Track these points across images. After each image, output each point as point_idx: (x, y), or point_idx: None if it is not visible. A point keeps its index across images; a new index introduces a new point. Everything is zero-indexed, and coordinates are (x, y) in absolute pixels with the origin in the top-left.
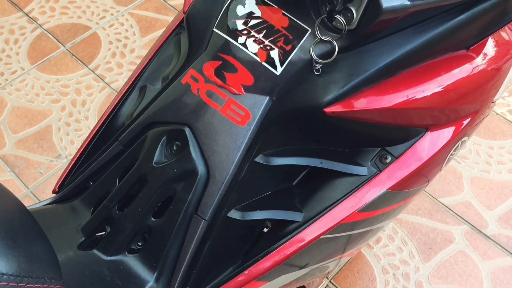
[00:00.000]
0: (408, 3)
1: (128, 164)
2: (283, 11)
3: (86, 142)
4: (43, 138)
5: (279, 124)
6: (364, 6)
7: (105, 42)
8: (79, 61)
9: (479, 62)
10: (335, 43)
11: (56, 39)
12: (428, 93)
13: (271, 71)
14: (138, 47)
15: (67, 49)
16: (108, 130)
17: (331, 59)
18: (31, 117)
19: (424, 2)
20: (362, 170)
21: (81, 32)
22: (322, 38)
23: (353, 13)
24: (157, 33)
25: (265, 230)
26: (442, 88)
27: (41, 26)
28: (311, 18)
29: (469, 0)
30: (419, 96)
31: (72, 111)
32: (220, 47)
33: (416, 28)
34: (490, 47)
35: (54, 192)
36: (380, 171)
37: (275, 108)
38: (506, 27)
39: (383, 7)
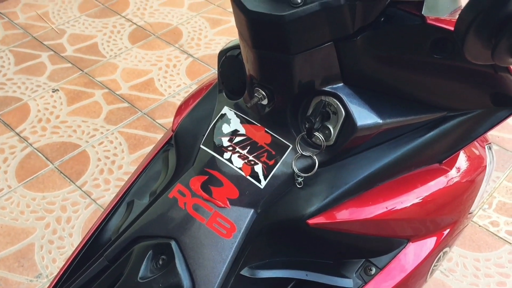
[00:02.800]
0: (381, 121)
1: (113, 280)
2: (265, 129)
3: (71, 259)
4: (24, 256)
5: (264, 236)
6: (340, 124)
7: (93, 159)
8: (66, 178)
9: (453, 174)
10: (315, 158)
11: (45, 157)
12: (407, 204)
13: (256, 184)
14: (126, 164)
15: (55, 167)
16: (93, 246)
17: (312, 173)
18: (14, 236)
19: (395, 121)
20: (348, 282)
21: (70, 150)
22: (303, 153)
23: (330, 131)
24: (145, 150)
25: None
26: (420, 199)
27: (31, 145)
28: (292, 135)
29: (438, 118)
30: (398, 207)
31: (56, 228)
32: (206, 163)
33: (390, 144)
34: (462, 161)
35: None
36: (365, 283)
37: (260, 220)
38: (476, 142)
39: (358, 125)
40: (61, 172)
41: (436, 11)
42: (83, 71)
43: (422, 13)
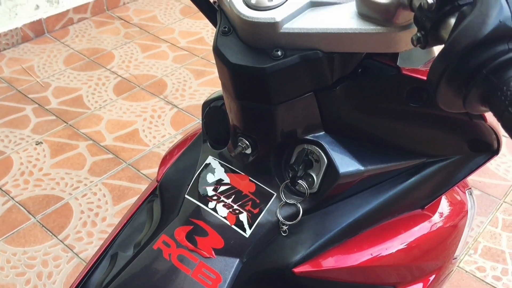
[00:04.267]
0: (362, 168)
1: None
2: (250, 178)
3: None
4: None
5: (251, 286)
6: (323, 171)
7: (76, 212)
8: (48, 232)
9: (436, 220)
10: (299, 205)
11: (27, 211)
12: (392, 250)
13: (241, 233)
14: (110, 216)
15: (37, 220)
16: None
17: (296, 221)
18: None
19: (376, 167)
20: None
21: (53, 203)
22: (287, 201)
23: (313, 178)
24: (130, 201)
25: None
26: (405, 245)
27: (13, 199)
28: (276, 183)
29: (418, 164)
30: (383, 253)
31: (37, 284)
32: (191, 213)
33: (372, 191)
34: (444, 206)
35: None
36: None
37: (246, 270)
38: (457, 188)
39: (340, 172)
40: (43, 226)
41: (410, 62)
42: (67, 123)
43: (397, 64)
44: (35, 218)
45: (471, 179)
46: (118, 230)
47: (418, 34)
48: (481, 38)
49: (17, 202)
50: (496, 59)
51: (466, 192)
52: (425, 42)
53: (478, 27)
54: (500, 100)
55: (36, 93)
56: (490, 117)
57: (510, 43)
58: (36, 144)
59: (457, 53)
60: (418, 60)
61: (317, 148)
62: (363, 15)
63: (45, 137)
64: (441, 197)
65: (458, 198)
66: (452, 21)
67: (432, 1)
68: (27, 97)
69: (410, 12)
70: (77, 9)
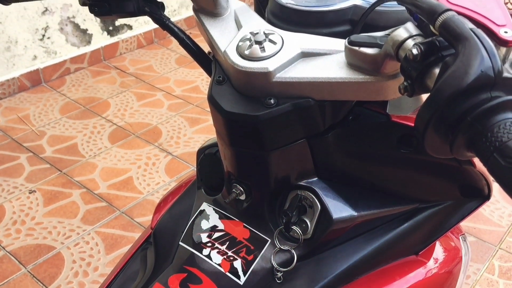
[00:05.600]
0: (356, 213)
1: None
2: (244, 224)
3: None
4: None
5: None
6: (316, 217)
7: (68, 262)
8: (39, 283)
9: (431, 266)
10: (293, 251)
11: (18, 261)
12: None
13: (235, 281)
14: (102, 265)
15: (28, 271)
16: None
17: (291, 267)
18: None
19: (369, 213)
20: None
21: (44, 252)
22: (281, 247)
23: (307, 224)
24: (123, 250)
25: None
26: None
27: (4, 249)
28: (270, 229)
29: (410, 210)
30: None
31: None
32: (185, 260)
33: (366, 236)
34: (439, 252)
35: None
36: None
37: None
38: (450, 234)
39: (333, 218)
40: (33, 276)
41: (400, 110)
42: (61, 171)
43: (387, 111)
44: (26, 268)
45: (466, 225)
46: (110, 279)
47: (405, 83)
48: (464, 87)
49: (8, 252)
50: (479, 106)
51: (460, 238)
52: (412, 90)
53: (461, 77)
54: (485, 146)
55: (31, 141)
56: (479, 163)
57: (492, 91)
58: (29, 193)
59: (442, 101)
60: (408, 107)
61: (311, 194)
62: (352, 65)
63: (38, 186)
64: (435, 243)
65: (452, 244)
66: (437, 70)
67: (416, 52)
68: (22, 145)
69: (397, 62)
70: (74, 59)
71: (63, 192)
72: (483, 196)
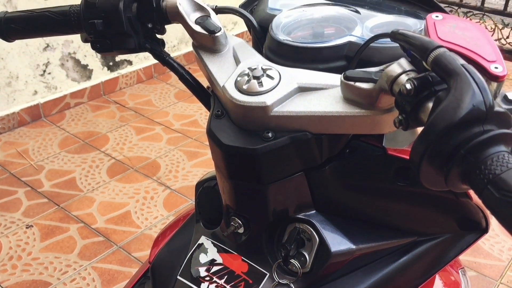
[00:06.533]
0: (354, 247)
1: None
2: (242, 257)
3: None
4: None
5: None
6: (315, 250)
7: None
8: None
9: None
10: (292, 285)
11: None
12: None
13: None
14: None
15: None
16: None
17: None
18: None
19: (368, 246)
20: None
21: None
22: (280, 281)
23: (306, 257)
24: (120, 286)
25: None
26: None
27: (0, 285)
28: (269, 262)
29: (409, 243)
30: None
31: None
32: None
33: (365, 270)
34: (438, 286)
35: None
36: None
37: None
38: (450, 268)
39: (332, 251)
40: None
41: (395, 143)
42: (59, 205)
43: (383, 144)
44: None
45: (466, 259)
46: None
47: (400, 117)
48: (456, 121)
49: None
50: (472, 139)
51: (460, 271)
52: (406, 124)
53: (454, 111)
54: (479, 179)
55: (29, 176)
56: (475, 195)
57: (485, 125)
58: (27, 228)
59: (436, 135)
60: (404, 140)
61: (309, 227)
62: (348, 99)
63: (35, 220)
64: (434, 277)
65: (452, 278)
66: (430, 105)
67: (410, 87)
68: (20, 180)
69: (392, 96)
70: (74, 94)
71: (60, 226)
72: (481, 229)
